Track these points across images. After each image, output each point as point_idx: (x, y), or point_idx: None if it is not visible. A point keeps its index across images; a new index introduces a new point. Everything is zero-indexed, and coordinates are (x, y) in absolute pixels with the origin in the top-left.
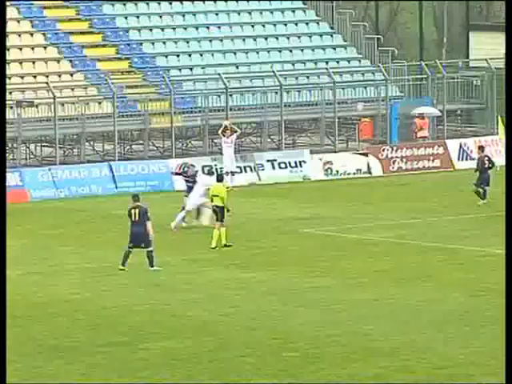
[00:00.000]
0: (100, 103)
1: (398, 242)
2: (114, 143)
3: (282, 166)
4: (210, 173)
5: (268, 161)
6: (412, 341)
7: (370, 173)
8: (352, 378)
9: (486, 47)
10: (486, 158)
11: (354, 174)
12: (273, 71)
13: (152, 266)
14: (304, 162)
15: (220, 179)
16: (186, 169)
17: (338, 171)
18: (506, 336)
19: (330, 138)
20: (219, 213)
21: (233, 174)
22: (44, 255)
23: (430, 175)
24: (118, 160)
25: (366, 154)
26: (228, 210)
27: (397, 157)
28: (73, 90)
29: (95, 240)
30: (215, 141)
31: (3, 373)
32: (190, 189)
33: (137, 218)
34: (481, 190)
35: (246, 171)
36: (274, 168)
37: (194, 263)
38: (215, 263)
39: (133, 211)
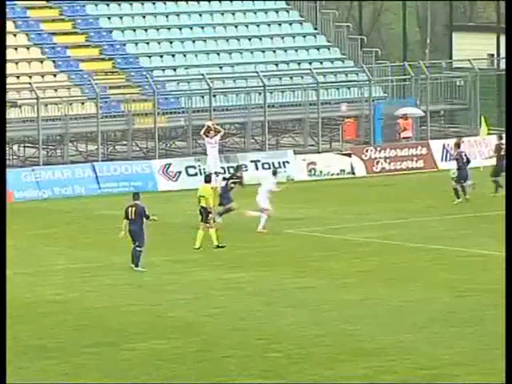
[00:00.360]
0: (83, 104)
1: (383, 242)
2: (98, 144)
3: (266, 166)
4: (274, 173)
5: (251, 161)
6: (398, 341)
7: (353, 173)
8: (338, 379)
9: (470, 48)
10: (463, 154)
11: (338, 174)
12: (256, 72)
13: (136, 266)
14: (287, 162)
15: (207, 180)
16: (237, 172)
17: (321, 172)
18: (506, 336)
19: (314, 139)
20: (204, 214)
21: (217, 174)
22: (29, 256)
23: (413, 176)
24: (102, 161)
25: (349, 155)
26: (210, 213)
27: (380, 157)
28: (56, 90)
29: (80, 241)
30: (199, 141)
31: (3, 373)
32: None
33: (133, 216)
34: (459, 188)
35: (229, 172)
36: (257, 168)
37: (179, 264)
38: (201, 264)
39: (130, 210)
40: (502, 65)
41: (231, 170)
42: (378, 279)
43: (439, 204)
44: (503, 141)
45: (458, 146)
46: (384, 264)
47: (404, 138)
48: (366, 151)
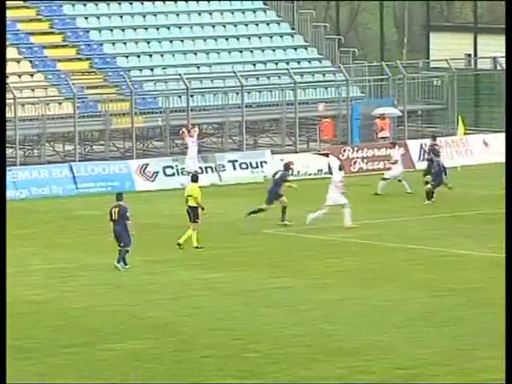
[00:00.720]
0: (60, 104)
1: (361, 242)
2: (75, 144)
3: (243, 166)
4: (341, 167)
5: (229, 161)
6: (375, 341)
7: (330, 173)
8: (315, 379)
9: (447, 48)
10: (437, 146)
11: (315, 174)
12: (234, 72)
13: (118, 263)
14: (265, 162)
15: (194, 179)
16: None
17: (299, 172)
18: (506, 336)
19: (291, 139)
20: (192, 213)
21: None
22: (7, 256)
23: None
24: (79, 161)
25: (327, 155)
26: (203, 209)
27: (358, 157)
28: (33, 90)
29: (58, 241)
30: (176, 141)
31: (3, 373)
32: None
33: (116, 216)
34: (432, 189)
35: (207, 172)
36: (235, 168)
37: (158, 264)
38: (179, 264)
39: (113, 210)
40: (479, 65)
41: (209, 170)
42: (356, 279)
43: (417, 204)
44: (437, 141)
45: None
46: (362, 264)
47: (381, 138)
48: (344, 151)
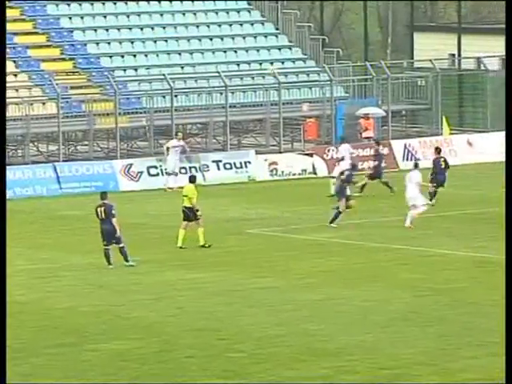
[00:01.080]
0: (44, 104)
1: (344, 242)
2: (59, 144)
3: (228, 166)
4: (416, 165)
5: (213, 161)
6: (359, 341)
7: (315, 173)
8: (299, 379)
9: (431, 48)
10: (442, 159)
11: (300, 174)
12: (218, 72)
13: (127, 261)
14: (249, 162)
15: (192, 180)
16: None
17: (283, 172)
18: (506, 336)
19: (276, 139)
20: (188, 213)
21: (176, 174)
22: None
23: None
24: (63, 161)
25: (311, 155)
26: (197, 210)
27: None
28: (17, 90)
29: (41, 241)
30: (160, 141)
31: (3, 373)
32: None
33: (103, 215)
34: (433, 190)
35: (191, 172)
36: (219, 169)
37: (142, 264)
38: (163, 264)
39: (99, 209)
40: (463, 65)
41: (193, 170)
42: (340, 279)
43: (401, 204)
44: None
45: (438, 150)
46: (346, 264)
47: (365, 137)
48: (328, 151)
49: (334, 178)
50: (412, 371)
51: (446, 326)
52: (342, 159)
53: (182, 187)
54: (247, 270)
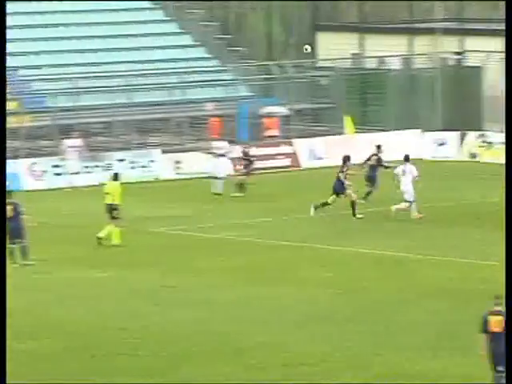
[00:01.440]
0: None
1: (251, 240)
2: None
3: (132, 165)
4: (407, 158)
5: (118, 160)
6: (273, 340)
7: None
8: (215, 378)
9: (334, 47)
10: (375, 157)
11: (204, 173)
12: (122, 71)
13: (26, 260)
14: (154, 161)
15: (115, 178)
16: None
17: (188, 171)
18: (506, 336)
19: (180, 138)
20: (110, 211)
21: (77, 173)
22: None
23: (279, 174)
24: None
25: (215, 154)
26: (116, 209)
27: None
28: None
29: None
30: (64, 140)
31: (3, 373)
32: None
33: (11, 213)
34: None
35: (95, 171)
36: (123, 168)
37: (47, 263)
38: (68, 263)
39: (7, 207)
40: (366, 64)
41: (98, 170)
42: (249, 278)
43: (305, 202)
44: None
45: (378, 147)
46: (254, 263)
47: (269, 136)
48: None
49: (217, 178)
50: (324, 368)
51: (363, 324)
52: (223, 156)
53: (104, 184)
54: (153, 270)
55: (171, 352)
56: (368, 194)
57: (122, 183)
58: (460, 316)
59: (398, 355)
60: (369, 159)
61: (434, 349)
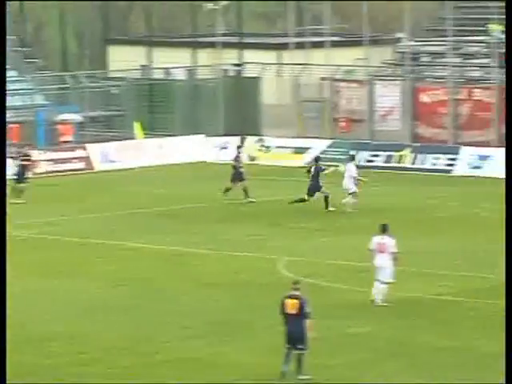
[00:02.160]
0: None
1: (44, 237)
2: None
3: None
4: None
5: None
6: (61, 329)
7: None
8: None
9: (124, 59)
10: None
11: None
12: None
13: None
14: None
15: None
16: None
17: None
18: (506, 336)
19: None
20: None
21: None
22: None
23: (74, 177)
24: None
25: (16, 159)
26: None
27: (44, 160)
28: None
29: None
30: None
31: (3, 373)
32: None
33: None
34: (314, 197)
35: None
36: None
37: None
38: None
39: None
40: (154, 74)
41: None
42: (38, 272)
43: (98, 203)
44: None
45: (316, 159)
46: (45, 258)
47: (64, 141)
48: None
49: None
50: (111, 354)
51: (142, 312)
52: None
53: None
54: None
55: None
56: (326, 198)
57: None
58: (235, 305)
59: (180, 342)
60: (309, 171)
61: (206, 336)
